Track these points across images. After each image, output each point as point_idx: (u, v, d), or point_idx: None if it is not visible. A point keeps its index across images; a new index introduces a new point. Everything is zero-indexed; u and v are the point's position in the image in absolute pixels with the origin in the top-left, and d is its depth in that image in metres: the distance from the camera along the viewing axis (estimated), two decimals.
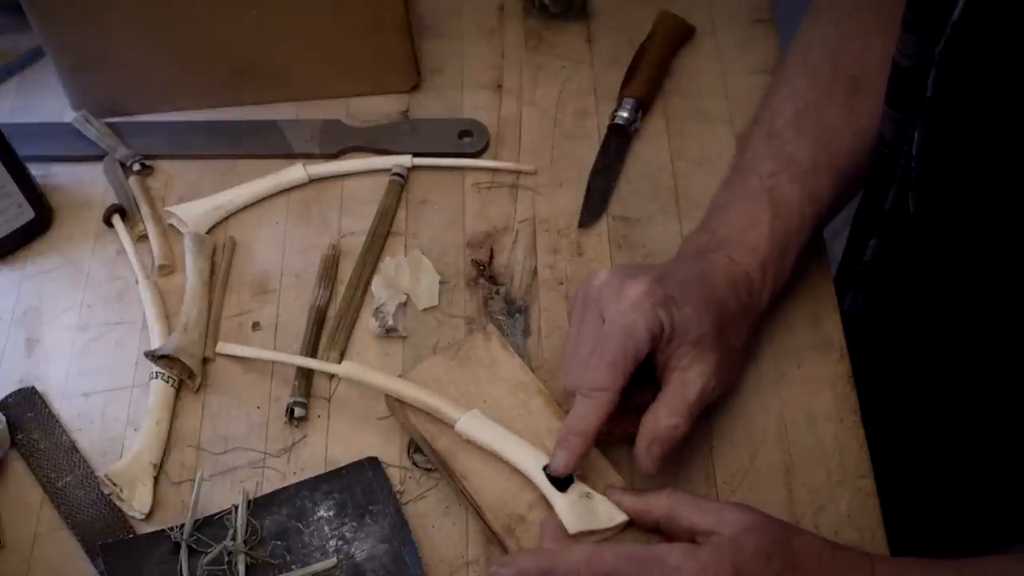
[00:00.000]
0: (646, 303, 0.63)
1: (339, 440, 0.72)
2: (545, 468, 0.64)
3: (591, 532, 0.62)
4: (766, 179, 0.71)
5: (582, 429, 0.63)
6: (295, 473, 0.71)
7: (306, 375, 0.74)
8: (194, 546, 0.66)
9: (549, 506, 0.64)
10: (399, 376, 0.71)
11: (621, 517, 0.63)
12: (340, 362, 0.74)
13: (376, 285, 0.78)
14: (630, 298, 0.64)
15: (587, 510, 0.63)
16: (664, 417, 0.63)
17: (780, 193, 0.71)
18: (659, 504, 0.62)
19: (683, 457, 0.69)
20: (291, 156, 0.87)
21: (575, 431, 0.63)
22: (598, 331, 0.64)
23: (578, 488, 0.64)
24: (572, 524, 0.62)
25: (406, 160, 0.85)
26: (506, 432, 0.66)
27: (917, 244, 0.74)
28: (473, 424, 0.66)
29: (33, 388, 0.76)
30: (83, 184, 0.87)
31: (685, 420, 0.63)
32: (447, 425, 0.68)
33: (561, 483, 0.64)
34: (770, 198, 0.70)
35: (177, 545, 0.66)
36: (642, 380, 0.65)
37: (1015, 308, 0.67)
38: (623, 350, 0.62)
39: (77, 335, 0.79)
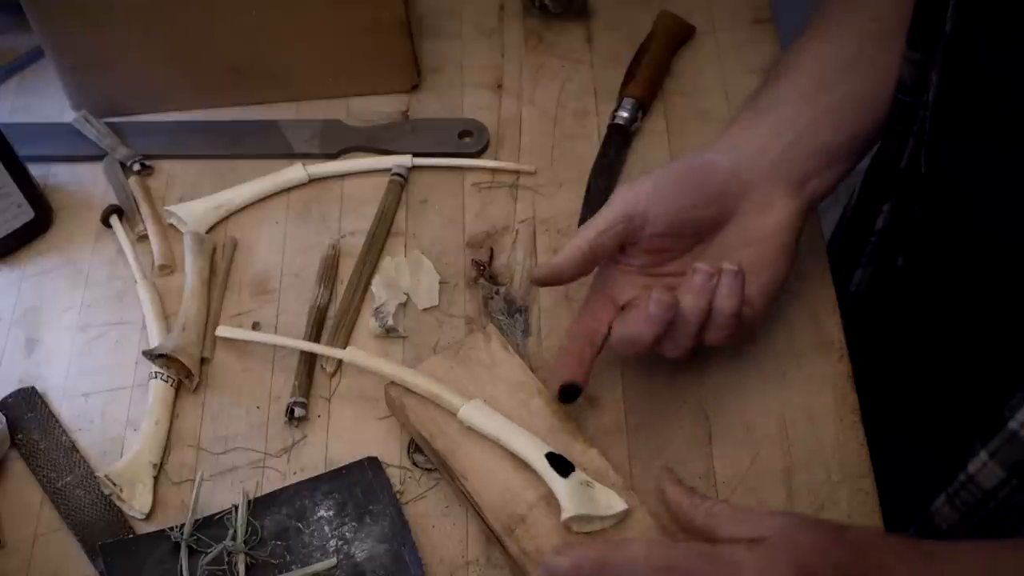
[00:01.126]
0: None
1: (339, 440, 0.72)
2: (547, 455, 0.64)
3: (588, 519, 0.63)
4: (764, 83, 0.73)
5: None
6: (295, 473, 0.71)
7: (307, 374, 0.74)
8: (194, 546, 0.66)
9: (549, 507, 0.64)
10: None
11: (620, 506, 0.63)
12: (339, 366, 0.74)
13: (376, 285, 0.78)
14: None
15: (587, 497, 0.63)
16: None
17: (765, 87, 0.72)
18: (698, 511, 0.60)
19: (684, 457, 0.69)
20: (291, 156, 0.87)
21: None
22: None
23: (579, 475, 0.64)
24: (570, 508, 0.62)
25: (406, 160, 0.85)
26: (508, 421, 0.67)
27: (925, 211, 0.72)
28: (476, 412, 0.67)
29: (33, 388, 0.76)
30: (83, 184, 0.87)
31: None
32: (447, 425, 0.68)
33: (563, 469, 0.64)
34: (755, 94, 0.72)
35: (177, 545, 0.66)
36: None
37: (1007, 289, 0.66)
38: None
39: (77, 335, 0.79)
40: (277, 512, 0.68)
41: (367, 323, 0.77)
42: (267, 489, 0.70)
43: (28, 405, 0.75)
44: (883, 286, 0.80)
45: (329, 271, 0.80)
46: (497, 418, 0.67)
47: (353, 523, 0.67)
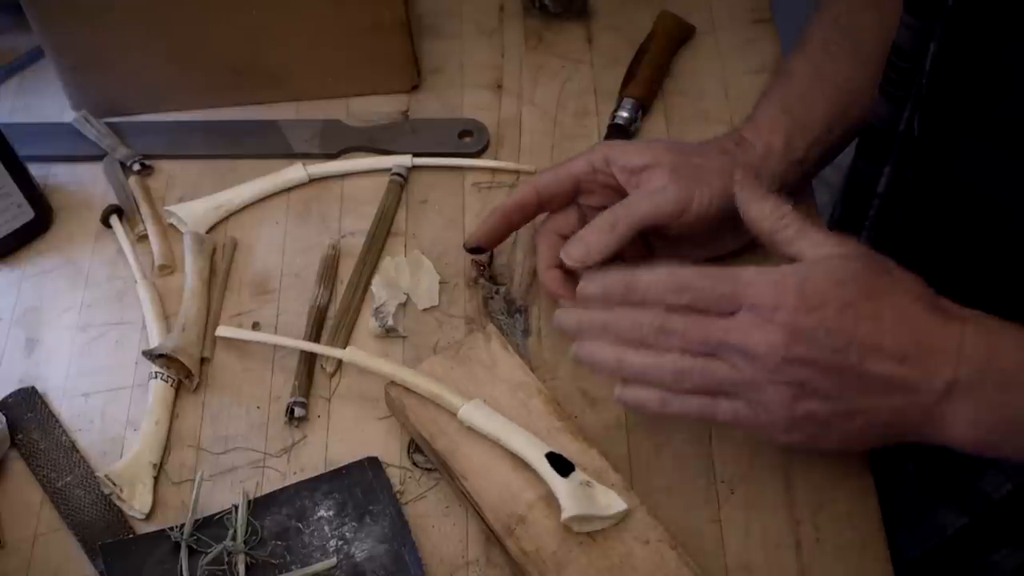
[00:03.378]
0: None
1: (339, 440, 0.72)
2: (547, 455, 0.64)
3: (588, 518, 0.63)
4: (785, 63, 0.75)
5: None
6: (295, 473, 0.71)
7: (307, 374, 0.74)
8: (194, 546, 0.66)
9: (549, 507, 0.64)
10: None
11: (620, 506, 0.63)
12: (339, 366, 0.74)
13: (376, 285, 0.78)
14: None
15: (587, 496, 0.63)
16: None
17: (788, 65, 0.73)
18: (766, 219, 0.61)
19: (683, 456, 0.69)
20: (291, 156, 0.87)
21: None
22: None
23: (579, 475, 0.64)
24: (571, 507, 0.62)
25: (406, 160, 0.85)
26: (508, 421, 0.67)
27: (918, 174, 0.71)
28: (476, 412, 0.67)
29: (33, 388, 0.76)
30: (83, 184, 0.87)
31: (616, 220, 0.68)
32: (447, 425, 0.68)
33: (562, 469, 0.64)
34: (779, 71, 0.73)
35: (177, 545, 0.66)
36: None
37: (998, 250, 0.65)
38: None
39: (77, 335, 0.79)
40: (277, 512, 0.68)
41: (367, 323, 0.77)
42: (267, 489, 0.70)
43: (28, 405, 0.75)
44: (884, 248, 0.80)
45: (329, 271, 0.80)
46: (497, 418, 0.67)
47: (353, 523, 0.67)
